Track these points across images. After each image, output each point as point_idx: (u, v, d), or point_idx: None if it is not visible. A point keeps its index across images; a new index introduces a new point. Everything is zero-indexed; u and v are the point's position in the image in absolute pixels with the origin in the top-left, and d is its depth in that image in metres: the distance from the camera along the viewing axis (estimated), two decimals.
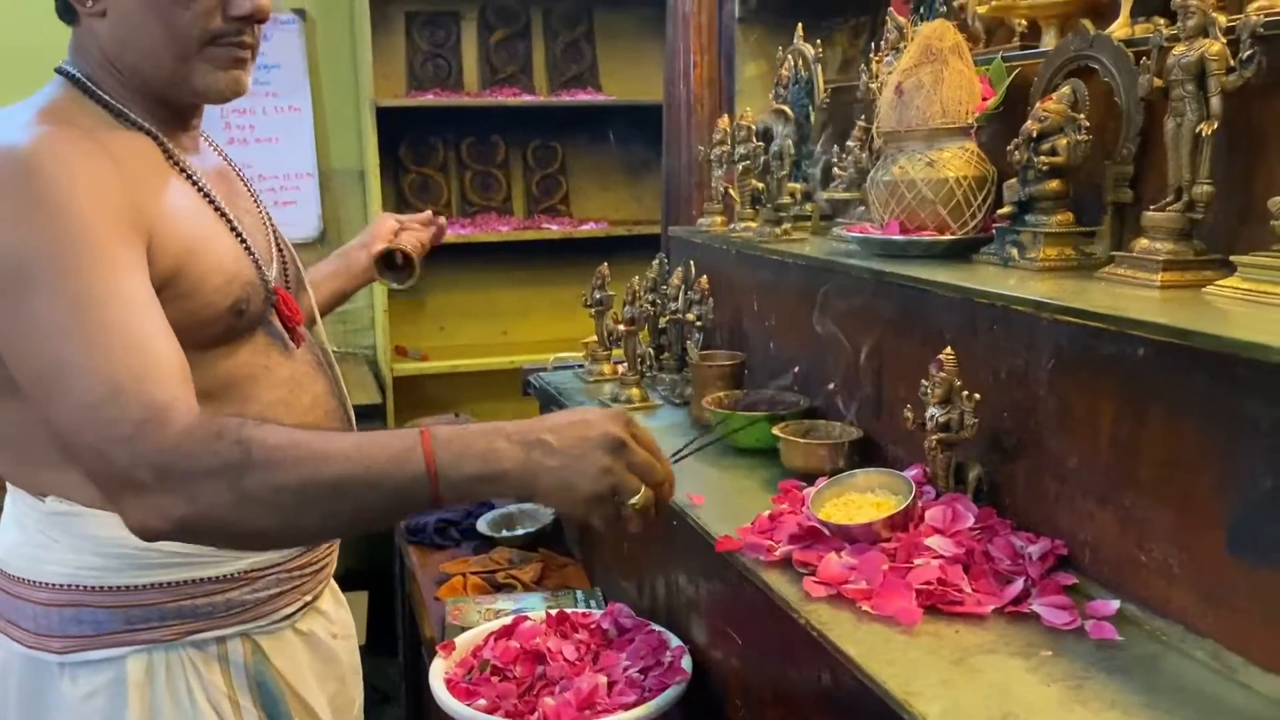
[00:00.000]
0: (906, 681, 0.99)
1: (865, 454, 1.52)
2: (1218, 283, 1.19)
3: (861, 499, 1.30)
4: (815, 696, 1.14)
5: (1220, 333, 0.98)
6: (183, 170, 1.23)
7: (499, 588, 1.90)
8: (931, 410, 1.28)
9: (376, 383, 3.58)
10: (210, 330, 1.18)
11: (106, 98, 1.19)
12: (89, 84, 1.19)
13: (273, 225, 1.38)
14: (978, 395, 1.24)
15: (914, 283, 1.41)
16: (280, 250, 1.36)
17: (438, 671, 1.44)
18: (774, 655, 1.23)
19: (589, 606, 1.79)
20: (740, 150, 1.96)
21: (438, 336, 3.87)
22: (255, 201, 1.38)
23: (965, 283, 1.32)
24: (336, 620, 1.39)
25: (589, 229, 3.71)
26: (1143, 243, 1.30)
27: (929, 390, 1.28)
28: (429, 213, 1.82)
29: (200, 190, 1.24)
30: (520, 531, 2.12)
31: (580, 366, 2.22)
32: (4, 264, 1.03)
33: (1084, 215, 1.45)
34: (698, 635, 1.45)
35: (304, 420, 1.25)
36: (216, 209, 1.24)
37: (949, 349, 1.28)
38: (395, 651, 3.41)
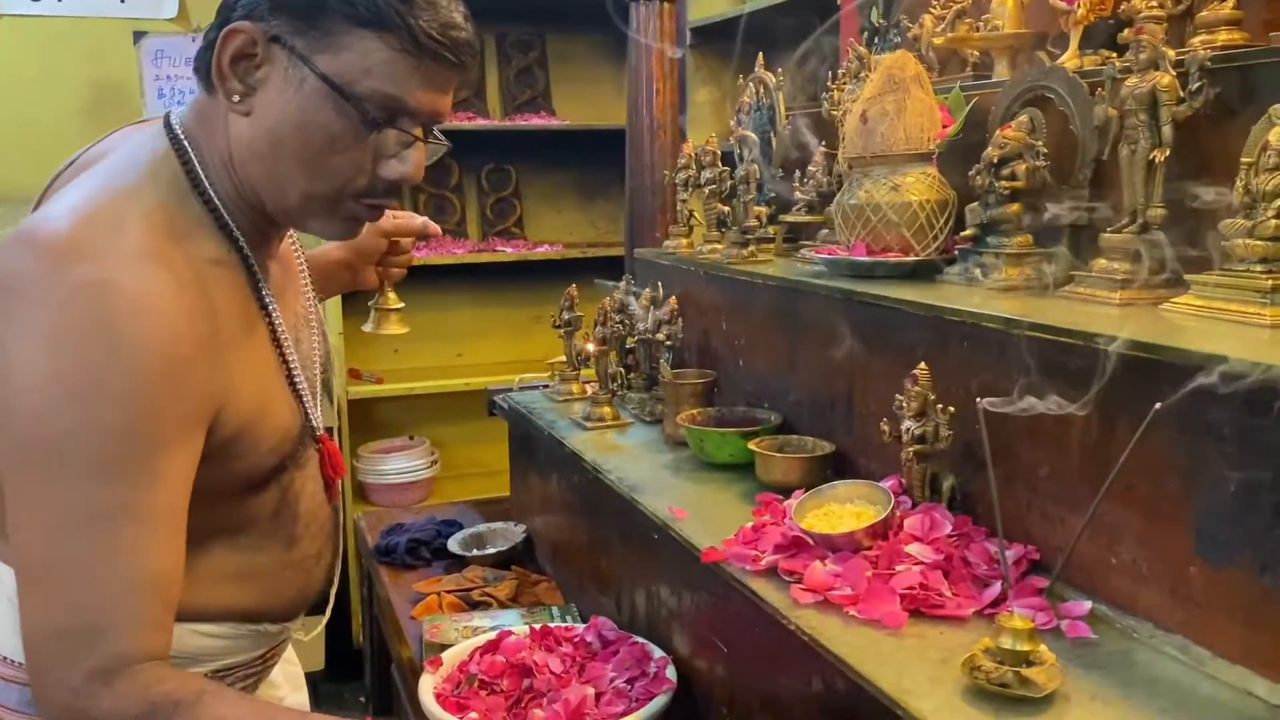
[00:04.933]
0: (898, 680, 1.04)
1: (838, 467, 1.58)
2: (1173, 300, 1.27)
3: (841, 509, 1.35)
4: (804, 700, 1.18)
5: (1185, 345, 1.05)
6: (262, 305, 1.16)
7: (475, 605, 1.92)
8: (907, 423, 1.34)
9: (331, 406, 3.56)
10: (249, 481, 1.16)
11: (211, 192, 1.10)
12: (196, 166, 1.10)
13: (320, 322, 1.32)
14: (951, 408, 1.30)
15: (885, 301, 1.47)
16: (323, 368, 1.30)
17: (427, 687, 1.46)
18: (761, 662, 1.27)
19: (565, 622, 1.82)
20: (706, 174, 2.02)
21: (392, 359, 3.87)
22: (308, 295, 1.30)
23: (937, 301, 1.38)
24: (284, 681, 1.41)
25: (543, 251, 3.75)
26: (1101, 263, 1.38)
27: (904, 404, 1.34)
28: (421, 220, 1.66)
29: (273, 331, 1.17)
30: (491, 550, 2.13)
31: (546, 386, 2.25)
32: (54, 423, 0.95)
33: (1042, 237, 1.53)
34: (681, 646, 1.48)
35: (294, 548, 1.25)
36: (283, 357, 1.18)
37: (923, 364, 1.34)
38: (353, 677, 3.40)
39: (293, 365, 1.21)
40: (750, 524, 1.38)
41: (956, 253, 1.61)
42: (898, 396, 1.37)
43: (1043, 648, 1.01)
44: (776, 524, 1.36)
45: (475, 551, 2.14)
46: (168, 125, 1.13)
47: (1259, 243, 1.18)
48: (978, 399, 1.11)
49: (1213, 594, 1.03)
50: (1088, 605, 1.16)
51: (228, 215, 1.12)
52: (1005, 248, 1.51)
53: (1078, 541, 1.04)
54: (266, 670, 1.32)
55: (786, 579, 1.26)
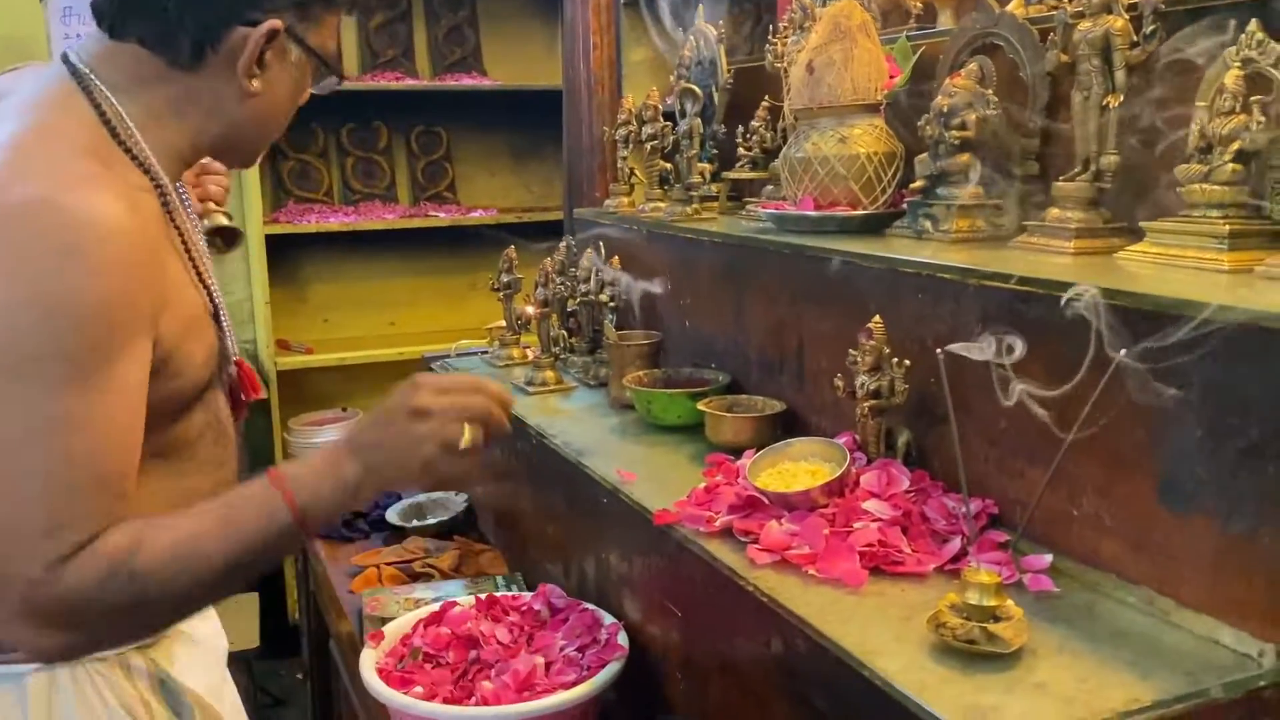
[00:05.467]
0: (862, 640, 1.01)
1: (789, 426, 1.55)
2: (1129, 248, 1.25)
3: (796, 467, 1.32)
4: (763, 662, 1.15)
5: (1148, 291, 1.03)
6: (179, 230, 1.18)
7: (416, 577, 1.86)
8: (861, 378, 1.31)
9: (260, 378, 3.46)
10: (182, 402, 1.17)
11: (131, 128, 1.11)
12: (112, 103, 1.11)
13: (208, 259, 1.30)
14: (907, 362, 1.27)
15: (836, 255, 1.43)
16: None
17: (368, 661, 1.41)
18: (717, 625, 1.24)
19: (510, 591, 1.77)
20: (648, 130, 1.97)
21: (322, 329, 3.77)
22: (197, 223, 1.30)
23: (890, 253, 1.35)
24: (206, 614, 1.40)
25: (478, 216, 3.67)
26: (1054, 212, 1.35)
27: (858, 359, 1.31)
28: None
29: (189, 255, 1.19)
30: (432, 520, 2.08)
31: (485, 352, 2.19)
32: (16, 339, 0.98)
33: (991, 188, 1.50)
34: (632, 612, 1.45)
35: (223, 468, 1.26)
36: (201, 280, 1.20)
37: (877, 318, 1.30)
38: (290, 653, 3.32)
39: (211, 287, 1.23)
40: (702, 485, 1.35)
41: (905, 206, 1.58)
42: (851, 352, 1.34)
43: (1009, 603, 0.99)
44: (730, 484, 1.32)
45: (415, 522, 2.08)
46: (70, 67, 1.13)
47: (1216, 188, 1.16)
48: (937, 350, 1.08)
49: (1177, 543, 1.02)
50: (1049, 558, 1.14)
51: (148, 151, 1.13)
52: (955, 199, 1.48)
53: (1041, 496, 1.02)
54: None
55: (742, 539, 1.22)
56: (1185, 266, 1.16)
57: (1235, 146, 1.16)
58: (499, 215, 3.69)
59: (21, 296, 0.98)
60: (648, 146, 1.97)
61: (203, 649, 1.34)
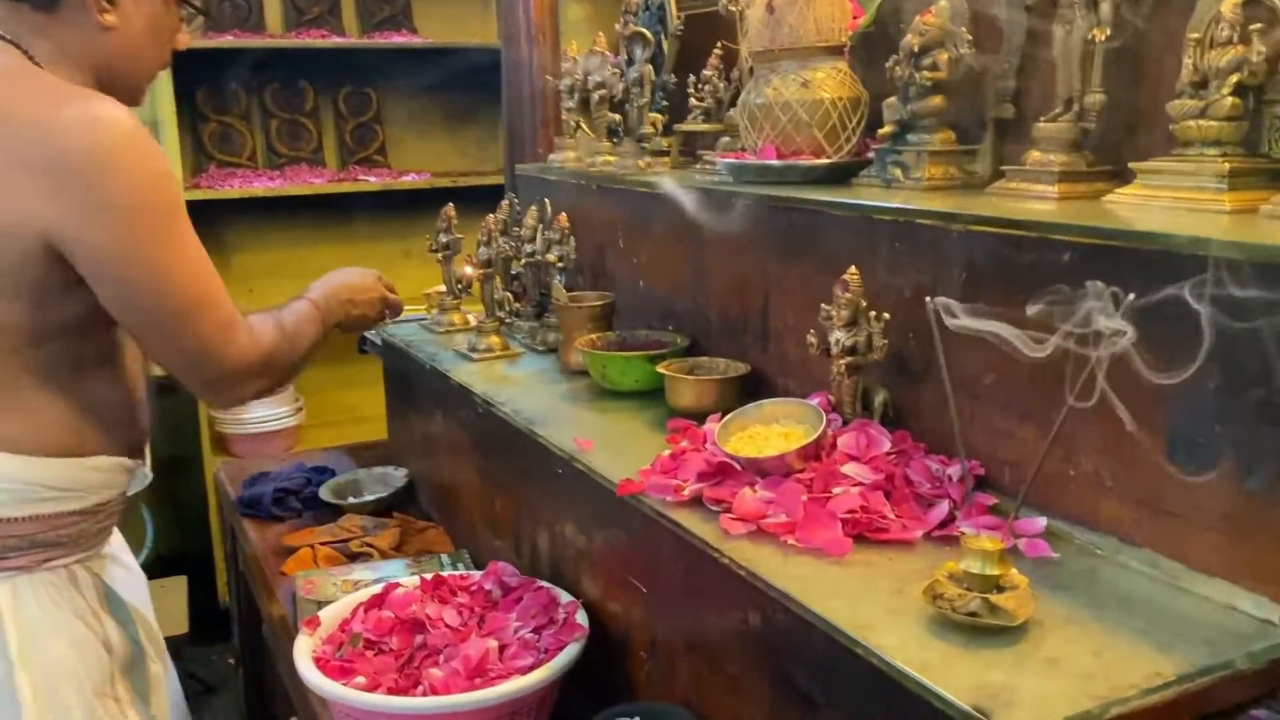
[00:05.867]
0: (853, 615, 0.92)
1: (754, 389, 1.46)
2: (1118, 191, 1.17)
3: (767, 431, 1.23)
4: (741, 639, 1.06)
5: (1154, 230, 0.95)
6: None
7: (354, 557, 1.74)
8: (837, 334, 1.22)
9: None
10: None
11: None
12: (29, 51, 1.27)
13: None
14: (887, 315, 1.18)
15: (806, 205, 1.34)
16: None
17: (304, 650, 1.29)
18: (687, 601, 1.15)
19: (456, 570, 1.67)
20: (595, 79, 1.85)
21: (247, 299, 3.53)
22: None
23: (864, 200, 1.26)
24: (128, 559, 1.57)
25: (410, 181, 3.51)
26: (1035, 155, 1.27)
27: (833, 313, 1.22)
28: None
29: None
30: (370, 497, 1.96)
31: (424, 319, 2.06)
32: (159, 199, 1.24)
33: (963, 134, 1.42)
34: (591, 589, 1.35)
35: (136, 380, 1.45)
36: None
37: (853, 268, 1.21)
38: (220, 638, 3.18)
39: None
40: (667, 452, 1.25)
41: (872, 154, 1.49)
42: (824, 307, 1.25)
43: (1013, 571, 0.90)
44: (697, 450, 1.23)
45: (351, 499, 1.96)
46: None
47: (1213, 124, 1.09)
48: (927, 299, 0.99)
49: (1187, 503, 0.94)
50: (1043, 521, 1.06)
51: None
52: (927, 145, 1.39)
53: (1045, 458, 0.94)
54: (118, 516, 1.46)
55: (714, 509, 1.13)
56: (1182, 208, 1.08)
57: (1234, 79, 1.08)
58: (432, 179, 3.53)
59: (152, 168, 1.23)
60: (595, 96, 1.85)
61: (131, 574, 1.53)
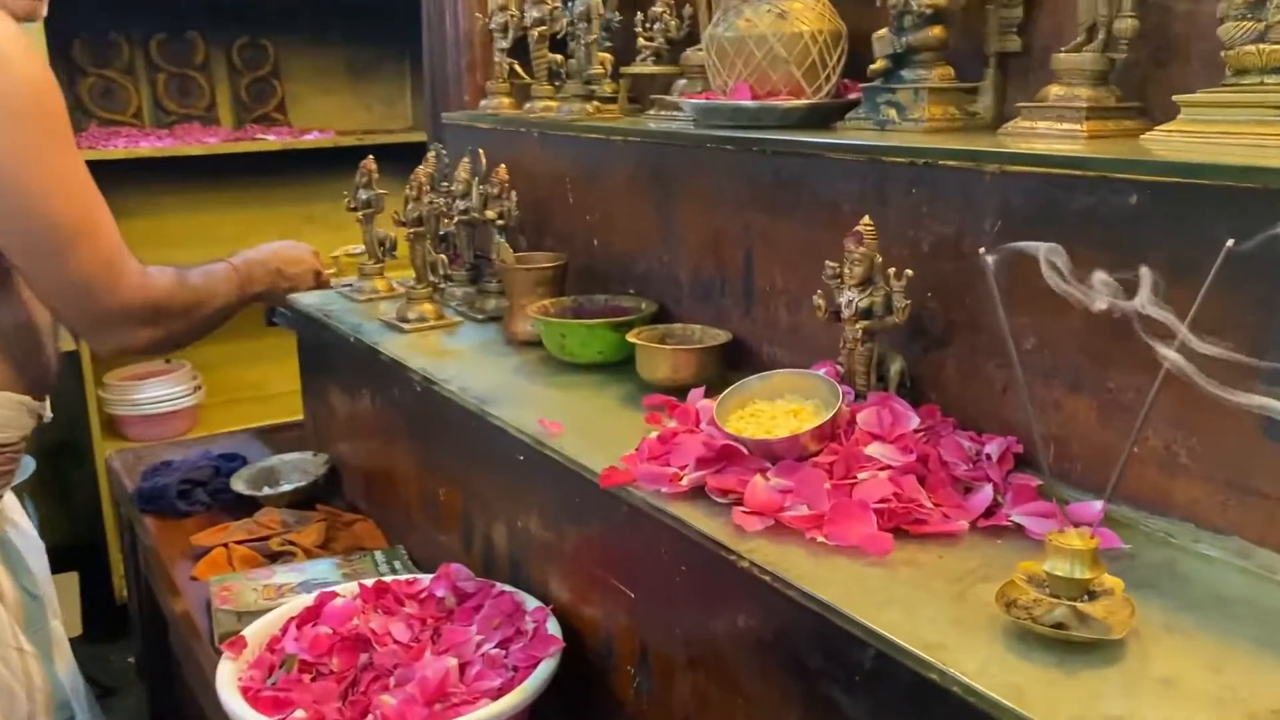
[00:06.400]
0: (915, 629, 0.77)
1: (736, 358, 1.30)
2: (1158, 128, 1.03)
3: (771, 408, 1.06)
4: (759, 653, 0.90)
5: (1249, 163, 0.81)
6: None
7: (274, 557, 1.54)
8: (849, 294, 1.06)
9: None
10: None
11: None
12: None
13: None
14: (909, 271, 1.03)
15: (802, 150, 1.17)
16: None
17: (228, 679, 1.09)
18: (688, 608, 0.98)
19: (394, 570, 1.48)
20: (534, 14, 1.66)
21: None
22: None
23: (879, 141, 1.10)
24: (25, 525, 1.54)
25: (313, 139, 3.25)
26: (1055, 90, 1.12)
27: (846, 270, 1.06)
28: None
29: None
30: (288, 487, 1.74)
31: (349, 285, 1.85)
32: (40, 110, 1.19)
33: (960, 70, 1.27)
34: (561, 593, 1.18)
35: (37, 308, 1.39)
36: None
37: (867, 219, 1.05)
38: (118, 635, 2.92)
39: None
40: (654, 434, 1.08)
41: (861, 94, 1.33)
42: (829, 264, 1.09)
43: (1107, 575, 0.76)
44: (691, 432, 1.06)
45: (267, 490, 1.75)
46: None
47: (1277, 48, 0.95)
48: (981, 251, 0.83)
49: None
50: (1098, 506, 0.92)
51: None
52: (925, 81, 1.24)
53: (1135, 441, 0.79)
54: (18, 464, 1.43)
55: (719, 500, 0.97)
56: (1243, 144, 0.94)
57: None
58: (337, 138, 3.27)
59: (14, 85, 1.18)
60: (535, 34, 1.66)
61: (27, 539, 1.50)
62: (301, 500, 1.71)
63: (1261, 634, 0.75)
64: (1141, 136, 1.04)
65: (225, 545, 1.57)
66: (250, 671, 1.11)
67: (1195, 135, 1.00)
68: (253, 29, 3.34)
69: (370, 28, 3.39)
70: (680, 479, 0.99)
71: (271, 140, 3.20)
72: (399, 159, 2.59)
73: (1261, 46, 0.96)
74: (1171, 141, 1.01)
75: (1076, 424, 0.95)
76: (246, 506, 1.71)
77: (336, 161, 3.33)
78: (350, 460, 1.74)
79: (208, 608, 1.42)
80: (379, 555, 1.52)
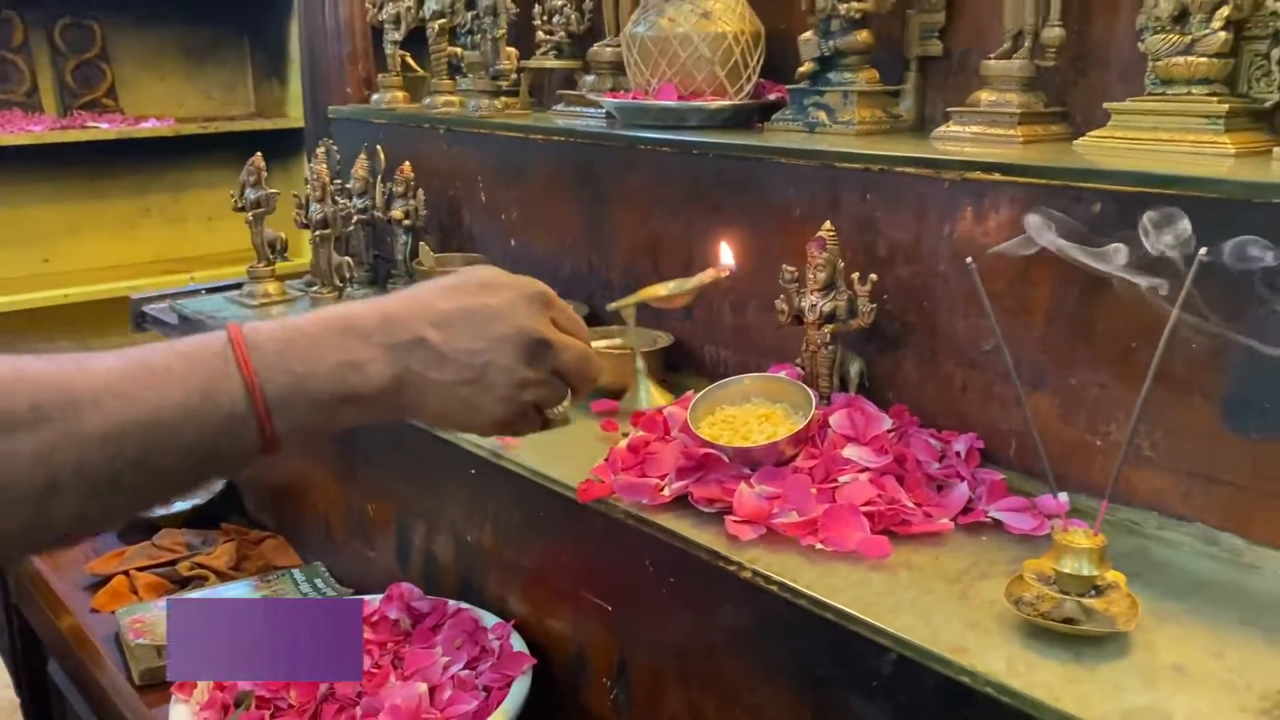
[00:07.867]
0: (933, 632, 0.79)
1: (678, 361, 1.30)
2: (1090, 134, 1.09)
3: (741, 413, 1.07)
4: (760, 663, 0.91)
5: (1214, 175, 0.87)
6: None
7: (185, 582, 1.45)
8: (812, 299, 1.08)
9: None
10: None
11: None
12: None
13: None
14: (873, 276, 1.05)
15: (750, 154, 1.18)
16: None
17: None
18: (675, 619, 0.98)
19: (316, 588, 1.42)
20: (433, 6, 1.60)
21: None
22: None
23: (836, 148, 1.12)
24: None
25: (150, 128, 3.05)
26: (985, 95, 1.17)
27: (810, 275, 1.08)
28: None
29: None
30: (184, 505, 1.64)
31: (240, 284, 1.75)
32: None
33: (882, 74, 1.31)
34: (521, 608, 1.16)
35: None
36: None
37: (829, 224, 1.07)
38: None
39: None
40: (623, 443, 1.07)
41: (784, 95, 1.35)
42: (786, 268, 1.10)
43: (1110, 571, 0.80)
44: (664, 440, 1.05)
45: (161, 510, 1.64)
46: None
47: (1203, 61, 1.02)
48: (968, 260, 0.86)
49: (1249, 472, 0.87)
50: (1064, 499, 0.97)
51: None
52: (854, 84, 1.27)
53: (1132, 438, 0.83)
54: None
55: (704, 510, 0.97)
56: (1179, 152, 1.01)
57: (1225, 12, 1.02)
58: (177, 126, 3.09)
59: None
60: (435, 26, 1.61)
61: None
62: (199, 519, 1.62)
63: (1246, 616, 0.81)
64: (1075, 143, 1.09)
65: (125, 572, 1.47)
66: (204, 714, 1.05)
67: (1128, 141, 1.06)
68: (76, 8, 3.10)
69: (205, 7, 3.21)
70: (662, 489, 0.99)
71: (104, 129, 2.99)
72: (247, 148, 2.46)
73: (1189, 59, 1.03)
74: (1105, 147, 1.07)
75: (1039, 420, 1.00)
76: (140, 529, 1.60)
77: (173, 151, 3.15)
78: (252, 474, 1.66)
79: (118, 642, 1.33)
80: (297, 574, 1.45)
